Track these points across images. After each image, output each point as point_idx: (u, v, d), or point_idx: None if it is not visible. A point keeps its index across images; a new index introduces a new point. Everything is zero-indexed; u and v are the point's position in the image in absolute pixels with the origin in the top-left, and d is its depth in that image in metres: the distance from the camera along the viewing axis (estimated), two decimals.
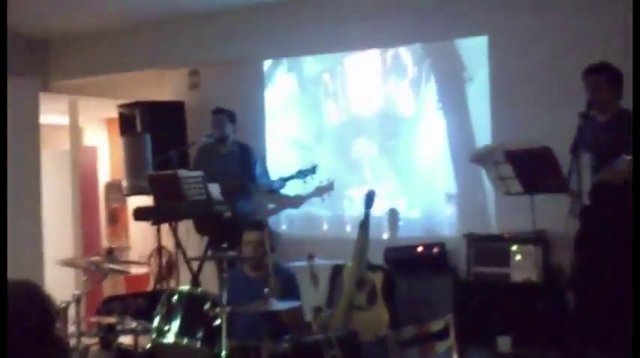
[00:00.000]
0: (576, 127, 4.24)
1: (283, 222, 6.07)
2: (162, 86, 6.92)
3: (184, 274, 5.59)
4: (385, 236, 5.55)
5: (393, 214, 5.58)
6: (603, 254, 4.25)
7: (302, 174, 5.30)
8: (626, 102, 4.38)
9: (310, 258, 3.74)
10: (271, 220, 5.74)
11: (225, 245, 3.73)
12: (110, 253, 3.98)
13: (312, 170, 5.30)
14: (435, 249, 5.25)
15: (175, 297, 3.67)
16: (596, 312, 4.24)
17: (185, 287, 4.00)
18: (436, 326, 3.24)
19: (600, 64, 4.39)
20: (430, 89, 5.68)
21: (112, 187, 7.76)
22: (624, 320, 3.89)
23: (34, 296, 1.84)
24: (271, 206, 5.59)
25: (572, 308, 4.58)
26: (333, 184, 5.27)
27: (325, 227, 6.05)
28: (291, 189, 5.49)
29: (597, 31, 4.93)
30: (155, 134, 6.09)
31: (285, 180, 5.33)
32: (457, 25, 5.47)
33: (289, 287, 4.15)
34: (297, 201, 5.37)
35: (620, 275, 4.13)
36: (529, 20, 5.19)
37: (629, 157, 4.12)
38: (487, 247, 4.99)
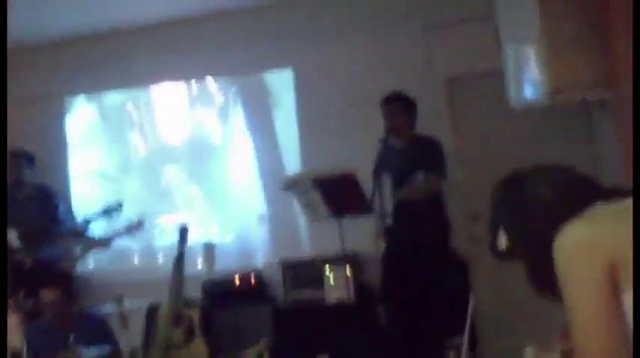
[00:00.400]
0: (377, 152, 4.52)
1: (91, 259, 5.79)
2: None
3: None
4: (200, 268, 5.48)
5: (208, 248, 5.53)
6: (409, 269, 4.51)
7: (107, 212, 5.11)
8: (421, 127, 4.72)
9: (119, 300, 3.59)
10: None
11: (20, 294, 3.48)
12: None
13: (117, 207, 5.14)
14: (252, 279, 5.27)
15: None
16: (405, 324, 4.48)
17: None
18: (250, 354, 3.23)
19: (395, 94, 4.70)
20: (238, 116, 5.73)
21: None
22: (428, 332, 4.14)
23: None
24: (78, 250, 5.33)
25: (382, 323, 4.81)
26: (143, 222, 5.14)
27: (136, 261, 5.85)
28: (98, 226, 5.27)
29: (398, 61, 5.25)
30: None
31: (89, 221, 5.11)
32: (262, 60, 5.58)
33: (100, 333, 3.97)
34: (105, 244, 5.16)
35: (425, 287, 4.40)
36: (332, 51, 5.42)
37: (423, 174, 4.44)
38: (301, 272, 5.09)
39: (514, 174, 1.73)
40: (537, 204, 1.60)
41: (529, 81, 3.75)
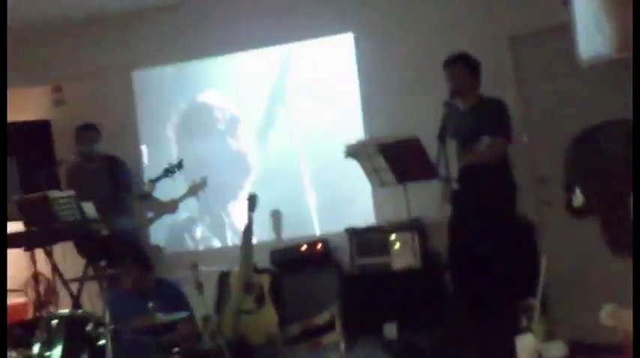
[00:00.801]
0: (442, 116, 4.46)
1: (164, 228, 5.96)
2: (25, 105, 6.61)
3: (65, 299, 5.37)
4: (269, 236, 5.58)
5: (276, 216, 5.63)
6: (476, 234, 4.48)
7: (169, 171, 5.25)
8: (485, 89, 4.65)
9: (194, 266, 3.70)
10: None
11: (103, 263, 3.62)
12: None
13: (179, 165, 5.27)
14: (319, 246, 5.34)
15: (55, 322, 3.53)
16: (472, 291, 4.46)
17: (64, 311, 3.86)
18: (321, 318, 3.29)
19: (458, 55, 4.63)
20: (299, 81, 5.76)
21: None
22: (498, 300, 4.12)
23: None
24: (149, 214, 5.50)
25: (450, 289, 4.81)
26: (206, 180, 5.27)
27: (207, 229, 5.99)
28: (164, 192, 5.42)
29: (459, 22, 5.17)
30: (20, 156, 5.82)
31: (153, 181, 5.25)
32: (323, 24, 5.57)
33: (176, 300, 4.10)
34: (172, 206, 5.31)
35: (493, 252, 4.37)
36: (392, 14, 5.38)
37: (488, 138, 4.37)
38: (367, 239, 5.12)
39: (587, 131, 1.70)
40: (611, 159, 1.58)
41: (597, 35, 3.64)
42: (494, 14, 5.11)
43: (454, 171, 4.39)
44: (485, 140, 4.42)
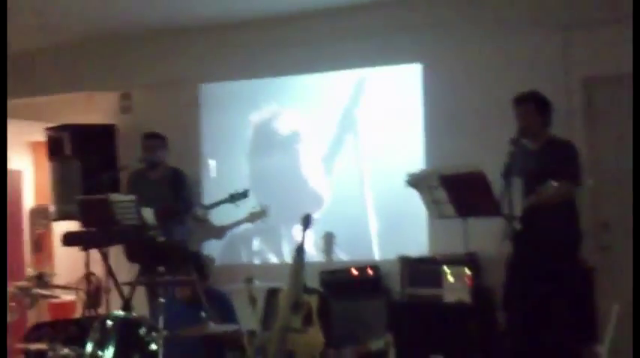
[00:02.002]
0: (508, 153, 4.40)
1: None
2: (93, 109, 6.79)
3: (114, 301, 5.44)
4: (319, 257, 5.56)
5: (328, 238, 5.61)
6: (535, 275, 4.39)
7: (234, 198, 5.28)
8: (556, 129, 4.58)
9: (249, 280, 3.71)
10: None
11: (161, 269, 3.66)
12: (40, 278, 3.82)
13: (244, 194, 5.29)
14: (370, 272, 5.31)
15: (109, 322, 3.57)
16: (526, 333, 4.36)
17: (120, 312, 3.90)
18: (375, 345, 3.26)
19: (529, 93, 4.57)
20: (364, 108, 5.78)
21: (37, 213, 7.49)
22: (553, 341, 4.02)
23: None
24: (200, 234, 5.55)
25: (502, 329, 4.71)
26: (267, 210, 5.28)
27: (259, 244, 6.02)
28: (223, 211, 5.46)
29: (532, 59, 5.14)
30: (85, 158, 5.96)
31: (209, 207, 5.30)
32: (393, 52, 5.59)
33: (225, 311, 4.11)
34: (220, 232, 5.35)
35: (551, 295, 4.28)
36: (464, 48, 5.37)
37: (555, 183, 4.29)
38: (420, 269, 5.06)
39: None
40: None
41: None
42: (568, 55, 5.07)
43: (517, 210, 4.30)
44: (552, 184, 4.33)
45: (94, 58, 6.32)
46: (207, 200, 5.66)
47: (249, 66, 5.96)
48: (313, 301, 4.90)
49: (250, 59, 5.93)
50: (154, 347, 3.43)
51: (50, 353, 3.57)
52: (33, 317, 6.61)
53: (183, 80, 6.15)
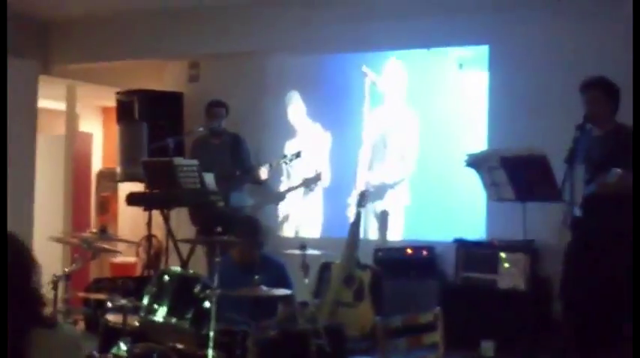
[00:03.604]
0: (572, 139, 4.31)
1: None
2: (162, 77, 6.94)
3: (174, 262, 5.59)
4: (374, 235, 5.60)
5: (383, 215, 5.63)
6: (594, 266, 4.29)
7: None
8: (624, 116, 4.46)
9: (303, 247, 3.76)
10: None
11: (219, 229, 3.74)
12: (103, 231, 3.96)
13: (297, 155, 5.37)
14: (424, 252, 5.31)
15: (166, 277, 3.67)
16: (583, 324, 4.28)
17: (176, 268, 4.01)
18: (425, 317, 3.25)
19: (597, 79, 4.44)
20: (427, 88, 5.76)
21: (104, 175, 7.75)
22: (611, 334, 3.93)
23: (11, 244, 1.84)
24: (258, 200, 5.66)
25: (557, 319, 4.63)
26: (320, 175, 5.34)
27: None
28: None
29: (600, 44, 5.01)
30: (152, 123, 6.11)
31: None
32: (460, 34, 5.53)
33: (280, 278, 4.16)
34: (279, 197, 5.44)
35: (610, 288, 4.18)
36: (532, 31, 5.27)
37: (619, 171, 4.18)
38: (476, 253, 5.02)
39: None
40: None
41: None
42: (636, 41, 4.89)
43: (579, 197, 4.22)
44: (616, 172, 4.22)
45: (167, 26, 6.44)
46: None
47: (315, 41, 5.97)
48: (366, 277, 4.95)
49: (315, 35, 5.95)
50: (207, 304, 3.50)
51: (109, 304, 3.69)
52: (96, 273, 6.87)
53: (250, 52, 6.22)
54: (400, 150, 5.81)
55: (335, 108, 6.06)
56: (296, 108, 6.21)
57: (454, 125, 5.60)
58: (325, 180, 5.82)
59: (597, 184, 4.24)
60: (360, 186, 5.68)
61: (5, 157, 5.56)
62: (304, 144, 5.89)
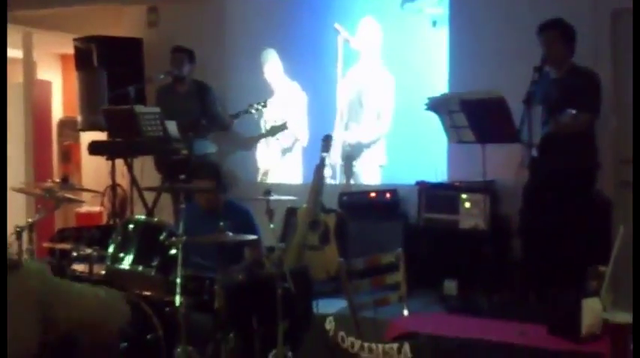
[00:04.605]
0: (530, 81, 4.37)
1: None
2: (120, 23, 6.81)
3: (139, 211, 5.60)
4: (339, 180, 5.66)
5: (348, 160, 5.69)
6: (549, 205, 4.42)
7: (274, 130, 5.39)
8: (578, 58, 4.52)
9: (267, 193, 3.79)
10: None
11: (182, 176, 3.75)
12: (65, 181, 3.94)
13: (263, 104, 5.36)
14: (388, 195, 5.38)
15: (131, 226, 3.69)
16: (541, 259, 4.43)
17: (141, 216, 4.03)
18: (386, 258, 3.34)
19: (553, 21, 4.50)
20: (391, 35, 5.72)
21: (66, 124, 7.65)
22: (567, 264, 4.09)
23: None
24: (225, 147, 5.66)
25: (517, 255, 4.78)
26: (286, 124, 5.36)
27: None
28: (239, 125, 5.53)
29: None
30: (112, 70, 6.02)
31: (233, 117, 5.41)
32: None
33: (246, 224, 4.21)
34: (248, 143, 5.45)
35: (565, 224, 4.32)
36: None
37: (573, 111, 4.27)
38: (437, 195, 5.10)
39: None
40: None
41: None
42: None
43: (537, 138, 4.31)
44: (570, 112, 4.32)
45: None
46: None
47: None
48: (331, 220, 5.02)
49: None
50: (173, 251, 3.54)
51: (74, 253, 3.71)
52: (61, 223, 6.85)
53: None
54: (376, 109, 5.79)
55: (310, 67, 5.97)
56: (272, 66, 6.10)
57: (427, 82, 5.58)
58: (303, 140, 5.83)
59: (552, 124, 4.34)
60: (337, 146, 5.71)
61: (5, 151, 5.48)
62: (281, 102, 5.85)
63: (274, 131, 5.48)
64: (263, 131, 5.69)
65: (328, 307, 4.11)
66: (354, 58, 5.84)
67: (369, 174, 5.79)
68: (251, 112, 5.44)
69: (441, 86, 5.37)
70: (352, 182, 5.78)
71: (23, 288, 1.91)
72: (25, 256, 3.83)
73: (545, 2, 4.98)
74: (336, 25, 5.78)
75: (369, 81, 5.79)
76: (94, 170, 6.98)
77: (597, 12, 4.92)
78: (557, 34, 4.45)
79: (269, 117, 5.90)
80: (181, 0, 6.27)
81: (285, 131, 5.52)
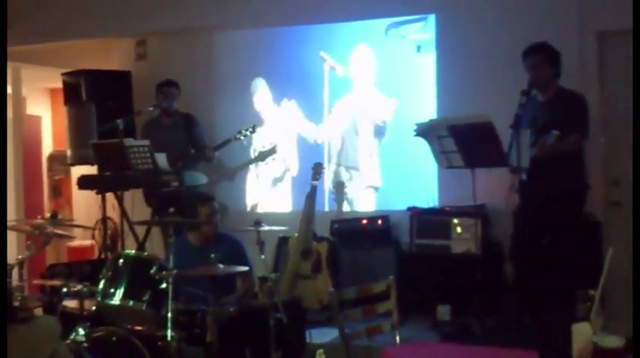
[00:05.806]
0: (518, 104, 4.40)
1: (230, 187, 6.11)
2: (109, 56, 6.83)
3: (131, 244, 5.57)
4: (330, 207, 5.66)
5: (339, 187, 5.70)
6: (541, 226, 4.43)
7: (262, 156, 5.40)
8: (564, 79, 4.56)
9: (257, 223, 3.79)
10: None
11: (172, 209, 3.74)
12: (54, 217, 3.93)
13: (272, 150, 5.40)
14: (379, 222, 5.37)
15: (121, 261, 3.67)
16: (533, 282, 4.43)
17: (131, 251, 4.01)
18: (378, 288, 3.34)
19: (538, 45, 4.55)
20: (376, 60, 5.76)
21: (55, 158, 7.64)
22: (558, 289, 4.08)
23: None
24: (214, 176, 5.67)
25: (509, 279, 4.78)
26: (275, 148, 5.37)
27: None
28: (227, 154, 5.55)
29: (545, 11, 5.07)
30: (100, 104, 6.01)
31: (217, 147, 5.44)
32: (406, 2, 5.56)
33: (237, 255, 4.21)
34: (231, 173, 5.47)
35: (556, 247, 4.33)
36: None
37: (557, 132, 4.30)
38: (429, 220, 5.11)
39: None
40: None
41: None
42: (583, 7, 4.99)
43: (525, 161, 4.33)
44: (554, 134, 4.34)
45: (111, 4, 6.33)
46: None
47: (263, 13, 5.93)
48: (323, 249, 5.01)
49: (262, 9, 5.91)
50: (163, 285, 3.52)
51: (64, 290, 3.69)
52: (53, 258, 6.81)
53: (198, 29, 6.16)
54: (372, 134, 5.80)
55: (298, 95, 5.99)
56: (262, 95, 6.10)
57: (414, 107, 5.61)
58: (294, 170, 5.83)
59: (537, 147, 4.36)
60: (330, 175, 5.72)
61: (5, 158, 5.45)
62: (272, 132, 5.87)
63: (263, 156, 5.50)
64: (252, 158, 5.69)
65: (322, 337, 4.10)
66: (342, 86, 5.87)
67: (362, 199, 5.78)
68: (240, 139, 5.45)
69: (428, 111, 5.40)
70: (346, 207, 5.77)
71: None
72: (15, 293, 3.79)
73: (530, 25, 5.04)
74: (322, 54, 5.81)
75: (366, 107, 5.80)
76: (85, 203, 6.95)
77: (582, 34, 4.98)
78: (541, 57, 4.50)
79: (258, 144, 5.91)
80: (170, 32, 6.30)
81: (275, 155, 5.52)
